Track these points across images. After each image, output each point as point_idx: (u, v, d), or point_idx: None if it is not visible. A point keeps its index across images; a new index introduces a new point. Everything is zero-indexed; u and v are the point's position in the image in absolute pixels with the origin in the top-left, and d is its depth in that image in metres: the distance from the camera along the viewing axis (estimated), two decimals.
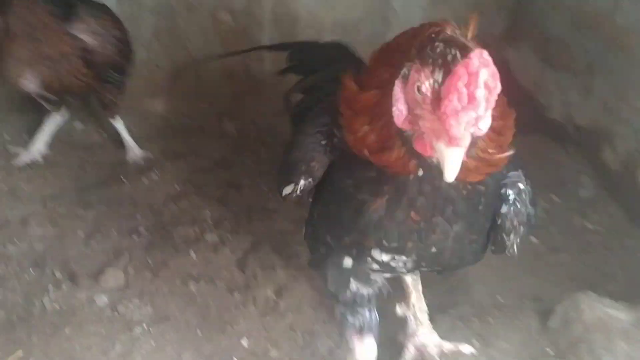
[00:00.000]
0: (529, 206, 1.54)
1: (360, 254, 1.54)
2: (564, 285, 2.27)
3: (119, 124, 3.00)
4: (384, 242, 1.45)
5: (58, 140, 3.02)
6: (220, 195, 2.80)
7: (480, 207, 1.44)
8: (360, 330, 1.80)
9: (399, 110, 1.23)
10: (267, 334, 2.14)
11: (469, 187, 1.38)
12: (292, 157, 1.56)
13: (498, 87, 1.10)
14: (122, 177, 2.85)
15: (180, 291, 2.29)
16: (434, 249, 1.46)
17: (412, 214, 1.37)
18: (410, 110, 1.21)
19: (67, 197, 2.71)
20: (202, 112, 3.38)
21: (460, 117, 1.09)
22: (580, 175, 2.81)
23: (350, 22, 3.34)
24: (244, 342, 2.12)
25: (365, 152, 1.31)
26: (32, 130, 3.00)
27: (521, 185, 1.52)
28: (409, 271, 1.63)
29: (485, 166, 1.30)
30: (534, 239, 2.52)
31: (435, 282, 2.34)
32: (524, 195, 1.52)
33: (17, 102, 3.13)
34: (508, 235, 1.53)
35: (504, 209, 1.50)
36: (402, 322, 2.06)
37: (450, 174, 1.13)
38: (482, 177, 1.33)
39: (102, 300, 2.23)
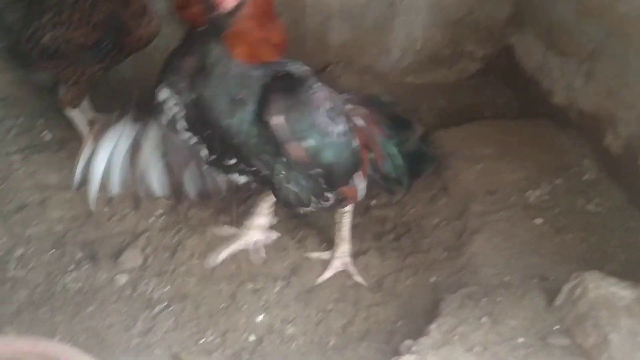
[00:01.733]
0: (304, 101, 1.84)
1: (153, 95, 1.89)
2: (568, 265, 2.34)
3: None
4: (170, 75, 1.84)
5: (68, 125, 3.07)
6: None
7: (238, 91, 1.78)
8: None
9: None
10: (283, 312, 2.22)
11: (233, 65, 1.76)
12: None
13: None
14: None
15: (197, 270, 2.37)
16: (193, 96, 1.81)
17: (188, 57, 1.80)
18: None
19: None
20: None
21: None
22: (583, 159, 2.87)
23: (357, 7, 3.38)
24: (259, 318, 2.21)
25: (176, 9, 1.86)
26: (46, 115, 3.05)
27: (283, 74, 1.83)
28: (190, 131, 1.90)
29: (248, 50, 1.76)
30: (539, 221, 2.60)
31: (442, 264, 2.44)
32: (294, 80, 1.83)
33: (29, 87, 3.17)
34: (269, 120, 1.77)
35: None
36: None
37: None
38: (250, 61, 1.76)
39: (122, 279, 2.30)
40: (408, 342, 1.98)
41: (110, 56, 2.68)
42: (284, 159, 1.89)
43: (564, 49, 3.12)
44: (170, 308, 2.21)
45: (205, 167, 2.01)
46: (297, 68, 1.88)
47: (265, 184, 2.04)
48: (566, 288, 2.01)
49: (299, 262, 2.42)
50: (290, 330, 2.18)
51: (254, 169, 1.95)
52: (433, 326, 2.02)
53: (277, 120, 1.77)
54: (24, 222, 2.52)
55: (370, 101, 2.27)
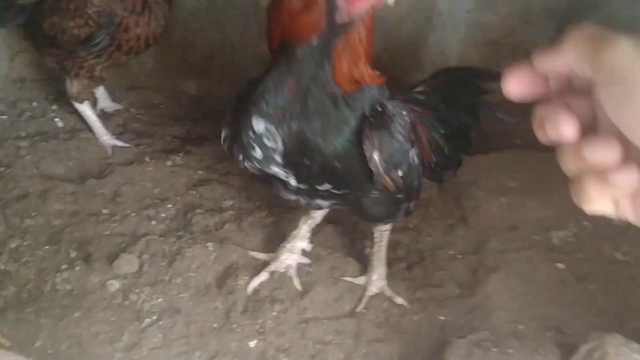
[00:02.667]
0: (392, 132, 1.76)
1: (245, 127, 1.68)
2: (588, 319, 2.19)
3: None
4: (264, 105, 1.62)
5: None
6: (244, 186, 2.74)
7: (340, 117, 1.66)
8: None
9: None
10: (278, 339, 2.10)
11: (337, 88, 1.60)
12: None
13: None
14: (146, 157, 2.81)
15: (193, 284, 2.25)
16: (294, 126, 1.63)
17: (290, 81, 1.58)
18: None
19: (90, 174, 2.68)
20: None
21: None
22: None
23: (393, 18, 3.24)
24: (252, 344, 2.08)
25: (286, 18, 1.54)
26: (61, 101, 2.97)
27: (379, 108, 1.74)
28: (286, 166, 1.74)
29: (352, 67, 1.57)
30: (560, 265, 2.44)
31: (454, 302, 2.30)
32: (386, 117, 1.75)
33: (47, 70, 3.09)
34: (370, 156, 1.70)
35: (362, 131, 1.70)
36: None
37: None
38: (346, 83, 1.59)
39: (114, 286, 2.20)
40: None
41: (108, 53, 2.57)
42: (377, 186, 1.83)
43: None
44: (160, 322, 2.09)
45: (285, 194, 1.93)
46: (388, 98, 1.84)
47: (352, 205, 2.00)
48: (584, 349, 1.86)
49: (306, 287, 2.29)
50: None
51: (345, 191, 1.87)
52: None
53: (375, 155, 1.73)
54: (23, 212, 2.44)
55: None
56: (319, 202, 1.95)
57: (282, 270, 2.30)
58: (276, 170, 1.76)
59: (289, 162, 1.72)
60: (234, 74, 3.32)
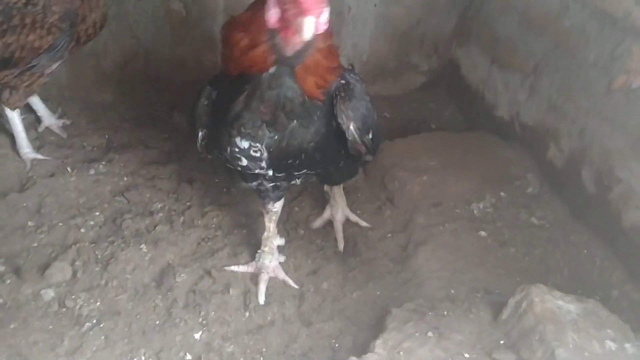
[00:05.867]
0: (359, 98, 1.94)
1: (229, 144, 1.91)
2: (513, 279, 2.33)
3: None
4: (242, 129, 1.84)
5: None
6: (172, 188, 2.74)
7: (315, 118, 1.86)
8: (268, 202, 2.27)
9: (272, 14, 1.67)
10: (222, 329, 2.12)
11: (306, 97, 1.80)
12: (192, 118, 2.06)
13: None
14: (68, 168, 2.75)
15: (130, 285, 2.23)
16: (276, 137, 1.85)
17: (262, 107, 1.79)
18: (280, 10, 1.66)
19: (10, 188, 2.60)
20: (151, 102, 3.30)
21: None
22: (527, 172, 2.88)
23: None
24: (197, 336, 2.09)
25: (237, 53, 1.76)
26: None
27: (343, 81, 1.92)
28: (270, 167, 1.95)
29: (318, 80, 1.79)
30: (483, 233, 2.58)
31: (388, 277, 2.39)
32: (351, 87, 1.93)
33: None
34: (347, 127, 1.91)
35: (336, 108, 1.90)
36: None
37: (307, 34, 1.59)
38: (316, 93, 1.81)
39: (48, 294, 2.15)
40: (352, 359, 1.90)
41: (68, 50, 2.55)
42: (350, 152, 2.01)
43: (508, 63, 3.14)
44: (101, 325, 2.07)
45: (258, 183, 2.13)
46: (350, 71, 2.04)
47: (322, 176, 2.24)
48: (512, 302, 1.98)
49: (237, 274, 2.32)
50: (229, 348, 2.07)
51: (319, 170, 2.08)
52: (378, 342, 1.95)
53: (352, 125, 1.92)
54: None
55: None
56: (294, 182, 2.15)
57: (273, 275, 2.32)
58: (258, 170, 1.97)
59: (274, 164, 1.94)
60: (149, 78, 3.31)
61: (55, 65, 2.58)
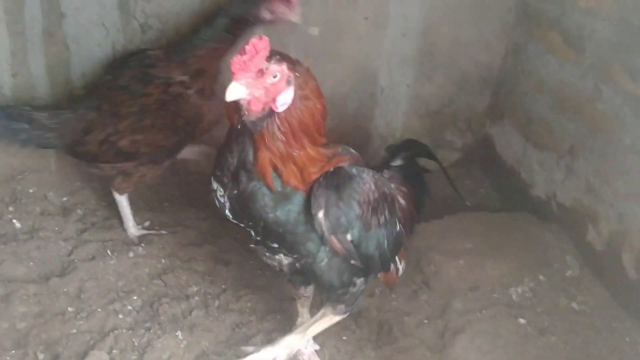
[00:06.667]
0: (347, 192, 1.85)
1: (210, 182, 1.97)
2: None
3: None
4: (216, 170, 1.93)
5: (40, 212, 3.00)
6: (208, 271, 2.77)
7: (294, 198, 1.84)
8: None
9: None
10: None
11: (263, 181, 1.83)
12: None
13: (259, 57, 1.69)
14: (108, 250, 2.81)
15: None
16: (235, 192, 1.87)
17: (229, 155, 1.86)
18: None
19: (52, 272, 2.66)
20: (191, 183, 3.38)
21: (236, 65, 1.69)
22: (566, 255, 2.83)
23: (338, 97, 3.39)
24: None
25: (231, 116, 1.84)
26: (15, 203, 2.97)
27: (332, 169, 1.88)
28: (235, 219, 1.96)
29: (294, 170, 1.82)
30: (522, 320, 2.53)
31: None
32: (341, 176, 1.86)
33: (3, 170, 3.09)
34: (314, 215, 1.82)
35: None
36: None
37: (229, 96, 1.69)
38: (292, 181, 1.82)
39: None
40: None
41: (184, 146, 2.75)
42: (327, 248, 1.92)
43: (542, 142, 3.14)
44: None
45: (252, 245, 2.09)
46: (349, 158, 1.96)
47: (304, 270, 2.05)
48: None
49: None
50: None
51: (295, 256, 1.98)
52: None
53: (320, 215, 1.82)
54: None
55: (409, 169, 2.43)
56: (282, 257, 2.04)
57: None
58: (234, 221, 1.98)
59: (237, 217, 1.94)
60: (189, 159, 3.39)
61: (171, 160, 2.77)
